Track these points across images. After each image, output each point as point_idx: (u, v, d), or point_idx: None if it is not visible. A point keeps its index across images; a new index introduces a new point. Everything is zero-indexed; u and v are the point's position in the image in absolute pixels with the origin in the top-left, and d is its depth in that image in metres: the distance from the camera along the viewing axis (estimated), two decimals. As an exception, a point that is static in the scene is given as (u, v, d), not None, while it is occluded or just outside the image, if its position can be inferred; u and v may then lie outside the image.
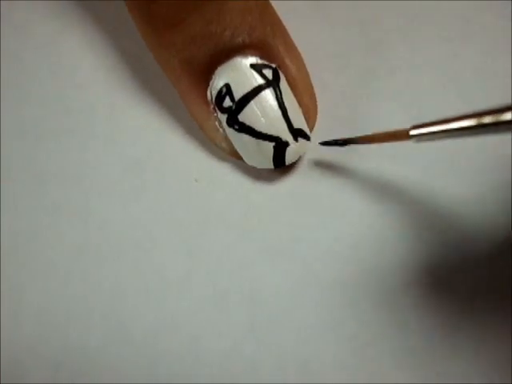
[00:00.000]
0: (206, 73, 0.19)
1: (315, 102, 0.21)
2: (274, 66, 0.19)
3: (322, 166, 0.20)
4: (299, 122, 0.19)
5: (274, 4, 0.20)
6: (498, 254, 0.18)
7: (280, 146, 0.19)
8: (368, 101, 0.21)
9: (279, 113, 0.19)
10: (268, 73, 0.19)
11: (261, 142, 0.19)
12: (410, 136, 0.16)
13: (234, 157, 0.20)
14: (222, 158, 0.20)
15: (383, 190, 0.20)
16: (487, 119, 0.15)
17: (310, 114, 0.20)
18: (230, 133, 0.19)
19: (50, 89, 0.22)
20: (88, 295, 0.19)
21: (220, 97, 0.19)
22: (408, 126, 0.16)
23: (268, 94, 0.19)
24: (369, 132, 0.19)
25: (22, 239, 0.20)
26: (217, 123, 0.20)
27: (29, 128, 0.21)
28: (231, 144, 0.20)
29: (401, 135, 0.16)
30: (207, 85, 0.19)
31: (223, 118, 0.19)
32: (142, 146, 0.21)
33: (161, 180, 0.20)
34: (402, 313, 0.18)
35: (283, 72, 0.19)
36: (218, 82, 0.19)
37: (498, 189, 0.19)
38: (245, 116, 0.19)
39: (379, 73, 0.22)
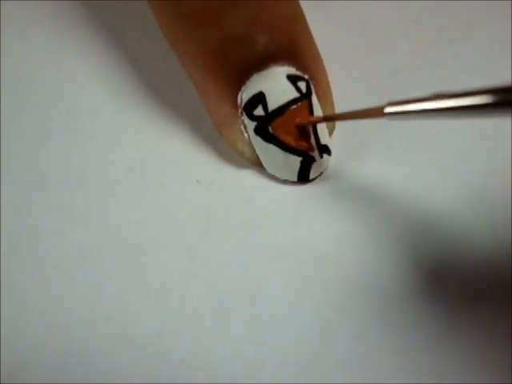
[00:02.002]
0: (239, 77, 0.18)
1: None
2: (306, 77, 0.19)
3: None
4: (325, 137, 0.19)
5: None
6: (497, 254, 0.18)
7: (307, 161, 0.19)
8: (369, 101, 0.21)
9: (310, 128, 0.19)
10: (302, 85, 0.19)
11: (288, 155, 0.19)
12: (384, 114, 0.16)
13: (253, 163, 0.20)
14: (223, 159, 0.20)
15: (384, 193, 0.19)
16: (465, 101, 0.14)
17: (330, 129, 0.20)
18: (256, 141, 0.19)
19: (51, 90, 0.22)
20: (90, 297, 0.19)
21: (252, 104, 0.18)
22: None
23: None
24: (369, 133, 0.19)
25: (24, 241, 0.19)
26: (242, 127, 0.19)
27: (29, 129, 0.21)
28: (253, 150, 0.19)
29: (376, 112, 0.16)
30: (239, 88, 0.19)
31: (251, 124, 0.19)
32: (144, 147, 0.21)
33: (162, 181, 0.20)
34: (402, 313, 0.18)
35: (313, 84, 0.19)
36: (252, 89, 0.18)
37: (497, 190, 0.19)
38: (275, 127, 0.18)
39: (380, 73, 0.22)
